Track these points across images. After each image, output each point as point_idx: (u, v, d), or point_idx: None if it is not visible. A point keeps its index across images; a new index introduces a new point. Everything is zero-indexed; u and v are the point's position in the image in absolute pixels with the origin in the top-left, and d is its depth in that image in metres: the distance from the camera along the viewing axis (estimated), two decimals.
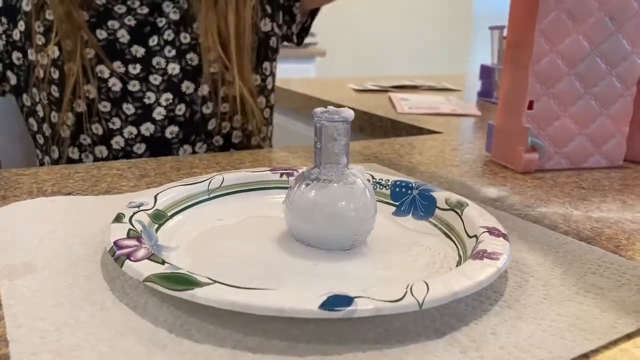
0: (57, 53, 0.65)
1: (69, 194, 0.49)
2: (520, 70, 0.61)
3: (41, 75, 0.67)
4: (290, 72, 2.35)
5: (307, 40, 2.69)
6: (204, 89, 0.71)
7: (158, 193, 0.42)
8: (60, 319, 0.29)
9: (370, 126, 1.03)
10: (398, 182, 0.49)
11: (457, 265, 0.37)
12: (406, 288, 0.29)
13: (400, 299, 0.28)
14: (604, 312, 0.32)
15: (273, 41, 0.80)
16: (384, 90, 1.30)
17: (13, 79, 0.68)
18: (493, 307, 0.32)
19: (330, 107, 0.38)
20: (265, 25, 0.78)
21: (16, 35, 0.66)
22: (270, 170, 0.51)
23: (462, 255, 0.38)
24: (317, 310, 0.27)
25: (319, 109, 0.38)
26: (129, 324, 0.28)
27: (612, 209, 0.51)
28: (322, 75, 2.71)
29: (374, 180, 0.49)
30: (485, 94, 1.17)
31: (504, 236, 0.37)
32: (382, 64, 3.27)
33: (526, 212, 0.49)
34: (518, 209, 0.50)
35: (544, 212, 0.49)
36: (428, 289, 0.29)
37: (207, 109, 0.72)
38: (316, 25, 3.10)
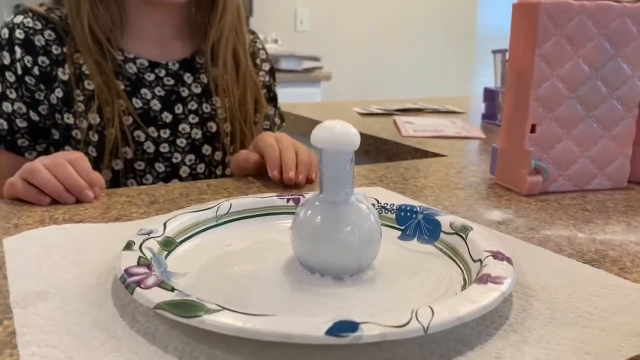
0: (97, 119, 0.72)
1: (80, 221, 0.50)
2: (522, 95, 0.62)
3: (79, 137, 0.72)
4: (296, 96, 2.38)
5: (313, 64, 2.71)
6: (219, 155, 0.80)
7: (167, 220, 0.43)
8: (72, 347, 0.29)
9: (376, 149, 1.04)
10: (403, 207, 0.49)
11: (462, 289, 0.37)
12: (411, 313, 0.29)
13: (406, 324, 0.28)
14: (608, 335, 0.32)
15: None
16: (388, 113, 1.32)
17: (56, 135, 0.74)
18: (498, 331, 0.32)
19: (333, 126, 0.38)
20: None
21: (53, 99, 0.72)
22: (277, 195, 0.51)
23: (467, 279, 0.39)
24: (323, 336, 0.27)
25: (320, 132, 0.38)
26: (139, 351, 0.29)
27: (616, 231, 0.51)
28: (328, 98, 2.73)
29: (379, 204, 0.50)
30: (489, 117, 1.18)
31: (508, 260, 0.38)
32: (387, 87, 3.30)
33: (530, 235, 0.49)
34: (522, 232, 0.50)
35: (549, 235, 0.49)
36: (433, 313, 0.29)
37: (219, 171, 0.81)
38: (321, 50, 3.13)
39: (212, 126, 0.79)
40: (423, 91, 3.32)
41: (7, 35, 0.71)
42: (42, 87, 0.71)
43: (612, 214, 0.56)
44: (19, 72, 0.70)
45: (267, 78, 0.89)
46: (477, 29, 3.57)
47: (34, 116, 0.72)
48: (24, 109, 0.71)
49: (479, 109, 1.26)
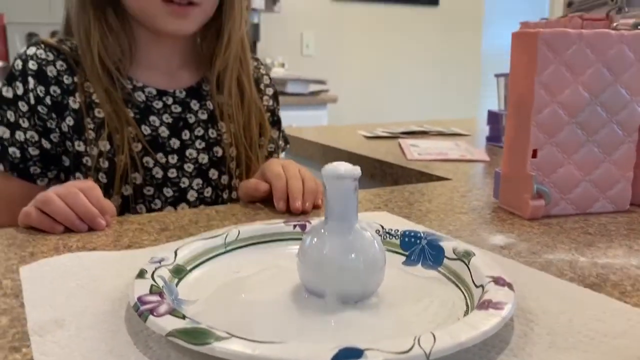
0: (107, 146, 0.74)
1: (94, 249, 0.52)
2: (522, 121, 0.64)
3: (89, 163, 0.75)
4: (303, 118, 2.41)
5: (319, 87, 2.74)
6: (225, 179, 0.82)
7: (178, 248, 0.45)
8: None
9: (381, 173, 1.05)
10: (407, 232, 0.50)
11: (465, 315, 0.38)
12: (414, 340, 0.30)
13: (409, 351, 0.30)
14: None
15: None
16: (393, 136, 1.33)
17: (66, 162, 0.76)
18: (499, 355, 0.33)
19: (339, 164, 0.40)
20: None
21: (64, 127, 0.75)
22: (284, 222, 0.53)
23: (469, 304, 0.40)
24: None
25: (328, 167, 0.40)
26: None
27: (618, 254, 0.52)
28: (335, 120, 2.76)
29: (384, 230, 0.51)
30: (494, 139, 1.20)
31: (509, 285, 0.39)
32: (393, 109, 3.32)
33: (533, 260, 0.50)
34: (525, 256, 0.51)
35: (550, 259, 0.50)
36: (435, 340, 0.31)
37: (226, 195, 0.83)
38: (327, 73, 3.16)
39: (218, 151, 0.81)
40: (429, 113, 3.35)
41: (20, 67, 0.74)
42: (54, 115, 0.74)
43: (614, 237, 0.57)
44: (32, 101, 0.73)
45: (271, 102, 0.91)
46: (482, 50, 3.60)
47: (45, 144, 0.74)
48: (36, 137, 0.73)
49: (485, 131, 1.27)
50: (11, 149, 0.72)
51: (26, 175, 0.74)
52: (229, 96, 0.81)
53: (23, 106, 0.73)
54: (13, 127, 0.73)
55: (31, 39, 2.34)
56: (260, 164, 0.83)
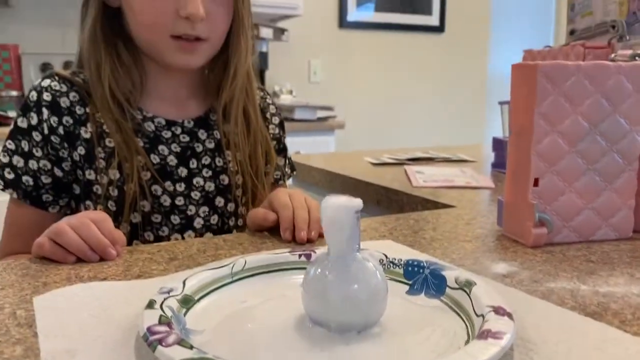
0: (117, 175, 0.76)
1: (105, 279, 0.53)
2: (523, 150, 0.65)
3: (99, 192, 0.77)
4: (311, 144, 2.43)
5: (326, 114, 2.77)
6: (231, 206, 0.84)
7: (186, 278, 0.46)
8: None
9: (387, 199, 1.06)
10: (410, 262, 0.51)
11: (465, 344, 0.39)
12: None
13: None
14: None
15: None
16: (399, 163, 1.35)
17: (77, 190, 0.78)
18: None
19: (342, 197, 0.41)
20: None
21: (76, 156, 0.77)
22: (289, 252, 0.54)
23: (470, 333, 0.40)
24: None
25: (330, 197, 0.41)
26: None
27: (619, 282, 0.53)
28: (342, 146, 2.78)
29: (388, 259, 0.52)
30: (499, 166, 1.21)
31: (509, 315, 0.39)
32: (400, 134, 3.35)
33: (534, 288, 0.51)
34: (526, 284, 0.52)
35: (552, 288, 0.51)
36: None
37: (232, 222, 0.84)
38: (334, 99, 3.19)
39: (225, 179, 0.83)
40: (436, 139, 3.37)
41: (35, 98, 0.76)
42: (66, 145, 0.76)
43: (616, 265, 0.58)
44: (45, 131, 0.75)
45: (277, 131, 0.93)
46: (488, 76, 3.63)
47: (58, 172, 0.76)
48: (49, 166, 0.76)
49: (491, 157, 1.29)
50: (24, 178, 0.75)
51: (38, 203, 0.76)
52: (235, 125, 0.83)
53: (37, 136, 0.75)
54: (27, 156, 0.75)
55: (45, 69, 2.40)
56: (267, 192, 0.85)
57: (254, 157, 0.85)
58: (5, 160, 0.75)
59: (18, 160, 0.75)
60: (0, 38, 2.43)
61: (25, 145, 0.75)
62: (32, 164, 0.75)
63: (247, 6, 0.81)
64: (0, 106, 2.20)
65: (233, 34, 0.80)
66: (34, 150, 0.75)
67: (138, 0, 0.74)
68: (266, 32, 2.68)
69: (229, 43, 0.81)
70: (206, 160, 0.83)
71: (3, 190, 0.75)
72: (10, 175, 0.75)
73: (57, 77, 0.78)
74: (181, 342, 0.35)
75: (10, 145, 0.75)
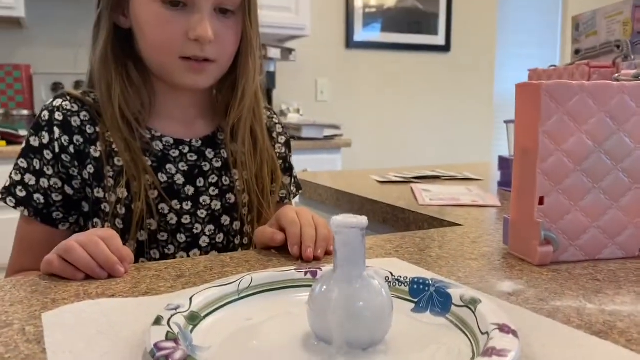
0: (125, 193, 0.77)
1: (112, 295, 0.54)
2: (528, 169, 0.65)
3: (107, 209, 0.78)
4: (318, 162, 2.45)
5: (333, 132, 2.79)
6: (237, 225, 0.85)
7: (193, 295, 0.47)
8: None
9: (394, 217, 1.06)
10: (416, 280, 0.52)
11: None
12: None
13: None
14: None
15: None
16: (406, 181, 1.35)
17: (85, 207, 0.80)
18: None
19: (347, 215, 0.42)
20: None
21: (85, 175, 0.79)
22: (295, 269, 0.54)
23: (475, 351, 0.41)
24: None
25: (337, 217, 0.42)
26: None
27: (626, 301, 0.52)
28: (348, 164, 2.79)
29: (393, 277, 0.52)
30: (505, 184, 1.21)
31: (514, 333, 0.39)
32: (406, 152, 3.36)
33: (540, 306, 0.51)
34: (532, 303, 0.52)
35: (558, 306, 0.51)
36: None
37: (237, 241, 0.85)
38: (341, 118, 3.21)
39: (231, 198, 0.84)
40: (442, 158, 3.37)
41: (47, 117, 0.78)
42: (76, 163, 0.77)
43: (622, 284, 0.58)
44: (57, 150, 0.77)
45: (283, 150, 0.94)
46: (494, 95, 3.65)
47: (68, 190, 0.77)
48: (60, 184, 0.77)
49: (497, 176, 1.29)
50: (36, 195, 0.76)
51: (49, 220, 0.77)
52: (243, 145, 0.84)
53: (48, 154, 0.77)
54: (38, 174, 0.76)
55: (56, 88, 2.44)
56: (272, 211, 0.85)
57: (260, 176, 0.86)
58: (17, 178, 0.76)
59: (30, 179, 0.76)
60: (12, 58, 2.48)
61: (37, 163, 0.76)
62: (43, 182, 0.76)
63: (256, 28, 0.82)
64: (11, 125, 2.23)
65: (241, 55, 0.82)
66: (45, 169, 0.76)
67: (149, 23, 0.75)
68: (274, 52, 2.71)
69: (237, 64, 0.82)
70: (213, 179, 0.83)
71: (15, 207, 0.76)
72: (22, 193, 0.76)
73: (68, 97, 0.80)
74: (188, 359, 0.35)
75: (23, 163, 0.77)
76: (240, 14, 0.79)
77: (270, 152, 0.88)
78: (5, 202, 0.76)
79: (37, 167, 0.76)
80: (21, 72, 2.44)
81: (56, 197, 0.77)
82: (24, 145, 0.78)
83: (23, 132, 2.12)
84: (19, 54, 2.50)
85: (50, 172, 0.76)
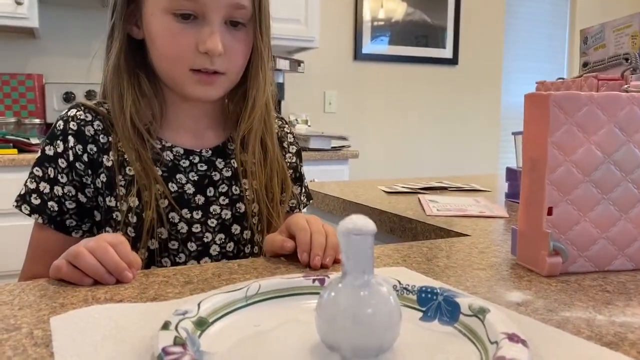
0: (136, 202, 0.78)
1: (121, 301, 0.54)
2: (537, 179, 0.65)
3: (119, 218, 0.79)
4: (326, 173, 2.45)
5: (341, 143, 2.80)
6: (247, 234, 0.85)
7: (201, 301, 0.47)
8: None
9: (401, 228, 1.06)
10: (424, 288, 0.51)
11: None
12: None
13: None
14: None
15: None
16: (413, 191, 1.35)
17: (97, 216, 0.80)
18: None
19: (356, 219, 0.42)
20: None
21: (98, 183, 0.80)
22: (303, 276, 0.54)
23: None
24: None
25: (344, 222, 0.42)
26: None
27: (636, 313, 0.52)
28: (356, 174, 2.80)
29: (401, 285, 0.52)
30: (513, 196, 1.21)
31: (523, 342, 0.39)
32: (414, 163, 3.36)
33: (549, 317, 0.51)
34: (542, 313, 0.52)
35: (567, 317, 0.51)
36: None
37: (247, 250, 0.86)
38: (349, 129, 3.22)
39: (241, 207, 0.84)
40: (450, 170, 3.37)
41: (62, 127, 0.79)
42: (90, 172, 0.78)
43: (632, 295, 0.57)
44: (71, 158, 0.78)
45: (294, 159, 0.95)
46: (502, 108, 3.64)
47: (81, 198, 0.78)
48: (73, 192, 0.78)
49: (505, 187, 1.28)
50: (50, 203, 0.77)
51: (62, 227, 0.78)
52: (253, 155, 0.85)
53: (62, 163, 0.78)
54: (52, 182, 0.77)
55: (68, 98, 2.46)
56: (281, 220, 0.86)
57: (270, 186, 0.86)
58: (32, 186, 0.78)
59: (44, 187, 0.77)
60: (25, 68, 2.51)
61: (51, 172, 0.77)
62: (57, 190, 0.77)
63: (267, 42, 0.83)
64: (23, 133, 2.25)
65: (252, 66, 0.82)
66: (59, 177, 0.77)
67: (161, 34, 0.76)
68: (283, 63, 2.73)
69: (248, 75, 0.83)
70: (223, 188, 0.84)
71: (29, 215, 0.77)
72: (36, 201, 0.77)
73: (82, 107, 0.81)
74: None
75: (38, 172, 0.78)
76: (251, 27, 0.80)
77: (280, 162, 0.89)
78: (20, 210, 0.77)
79: (52, 176, 0.77)
80: (34, 81, 2.47)
81: (70, 204, 0.78)
82: (39, 154, 0.79)
83: (35, 141, 2.14)
84: (32, 63, 2.53)
85: (64, 180, 0.77)
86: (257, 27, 0.80)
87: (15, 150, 2.07)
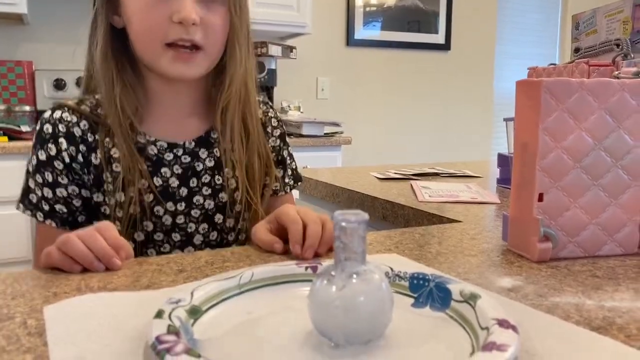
0: (122, 197, 0.79)
1: (114, 289, 0.54)
2: (528, 165, 0.65)
3: (107, 212, 0.80)
4: (318, 159, 2.45)
5: (333, 129, 2.79)
6: (231, 222, 0.86)
7: (194, 289, 0.47)
8: None
9: (393, 214, 1.07)
10: (416, 275, 0.52)
11: (470, 356, 0.39)
12: None
13: None
14: None
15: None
16: (405, 178, 1.36)
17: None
18: None
19: (349, 211, 0.42)
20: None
21: (88, 180, 0.80)
22: (296, 264, 0.55)
23: (475, 346, 0.41)
24: None
25: (338, 212, 0.42)
26: None
27: (625, 297, 0.53)
28: (349, 161, 2.80)
29: (393, 272, 0.53)
30: (504, 182, 1.21)
31: (514, 328, 0.40)
32: (406, 149, 3.36)
33: (539, 302, 0.51)
34: (531, 298, 0.52)
35: (557, 302, 0.51)
36: None
37: (231, 237, 0.86)
38: (341, 115, 3.22)
39: (224, 196, 0.85)
40: (442, 156, 3.37)
41: (50, 130, 0.79)
42: (86, 170, 0.80)
43: (621, 280, 0.58)
44: (67, 160, 0.78)
45: (278, 142, 0.95)
46: (494, 93, 3.65)
47: (86, 194, 0.80)
48: (77, 190, 0.79)
49: (497, 173, 1.29)
50: (57, 206, 0.78)
51: (76, 226, 0.77)
52: (232, 130, 0.84)
53: (59, 165, 0.78)
54: (53, 185, 0.78)
55: (58, 84, 2.44)
56: (264, 204, 0.86)
57: (250, 167, 0.86)
58: (39, 194, 0.78)
59: (47, 192, 0.78)
60: (15, 54, 2.48)
61: (49, 176, 0.78)
62: (61, 192, 0.78)
63: (244, 17, 0.82)
64: (13, 121, 2.23)
65: (229, 43, 0.82)
66: (60, 179, 0.78)
67: (138, 11, 0.76)
68: (275, 49, 2.71)
69: (226, 53, 0.82)
70: (206, 178, 0.84)
71: (43, 221, 0.78)
72: (46, 207, 0.78)
73: (66, 108, 0.80)
74: (189, 352, 0.35)
75: (39, 179, 0.78)
76: (226, 2, 0.79)
77: (264, 146, 0.88)
78: (36, 217, 0.78)
79: (50, 180, 0.78)
80: (23, 68, 2.44)
81: (77, 202, 0.79)
82: (33, 162, 0.79)
83: (25, 128, 2.12)
84: (21, 50, 2.50)
85: (65, 181, 0.78)
86: (233, 1, 0.79)
87: (6, 138, 2.06)
